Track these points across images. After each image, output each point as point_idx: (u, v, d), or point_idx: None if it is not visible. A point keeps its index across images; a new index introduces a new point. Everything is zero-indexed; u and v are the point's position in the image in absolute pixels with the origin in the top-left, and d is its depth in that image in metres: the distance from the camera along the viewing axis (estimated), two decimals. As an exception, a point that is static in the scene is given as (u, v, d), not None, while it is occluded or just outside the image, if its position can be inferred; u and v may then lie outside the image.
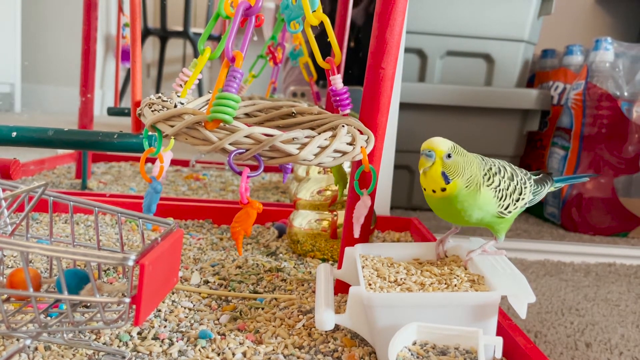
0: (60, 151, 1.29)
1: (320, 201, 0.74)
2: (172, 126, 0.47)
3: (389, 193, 0.96)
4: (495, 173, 0.51)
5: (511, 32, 1.19)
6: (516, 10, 1.18)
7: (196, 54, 3.38)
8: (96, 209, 0.42)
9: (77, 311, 0.39)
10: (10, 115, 3.00)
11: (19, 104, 3.24)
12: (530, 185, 0.54)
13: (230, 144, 0.45)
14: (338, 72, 0.58)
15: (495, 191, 0.50)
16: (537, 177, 0.56)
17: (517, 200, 0.52)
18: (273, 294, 0.59)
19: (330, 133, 0.49)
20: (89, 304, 0.43)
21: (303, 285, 0.62)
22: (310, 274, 0.66)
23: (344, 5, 1.16)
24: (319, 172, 0.79)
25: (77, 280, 0.39)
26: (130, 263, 0.33)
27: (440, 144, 0.48)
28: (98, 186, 1.08)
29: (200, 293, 0.58)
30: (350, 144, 0.50)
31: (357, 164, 0.55)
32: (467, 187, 0.49)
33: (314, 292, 0.60)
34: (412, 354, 0.41)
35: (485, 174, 0.50)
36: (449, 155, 0.48)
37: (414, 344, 0.43)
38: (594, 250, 0.97)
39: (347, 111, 0.57)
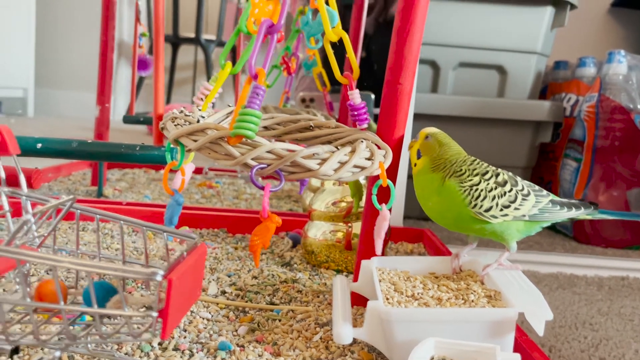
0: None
1: (335, 212, 0.75)
2: (195, 140, 0.48)
3: (402, 204, 0.97)
4: (478, 174, 0.52)
5: (524, 44, 1.19)
6: (529, 22, 1.18)
7: (207, 61, 3.41)
8: (121, 222, 0.43)
9: (102, 323, 0.40)
10: (23, 119, 3.04)
11: (32, 109, 3.28)
12: (536, 200, 0.54)
13: (252, 159, 0.46)
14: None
15: (463, 187, 0.52)
16: (570, 200, 0.56)
17: (507, 207, 0.52)
18: (289, 305, 0.60)
19: (349, 148, 0.50)
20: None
21: (319, 297, 0.63)
22: (326, 285, 0.67)
23: (358, 16, 1.17)
24: (333, 184, 0.80)
25: (104, 292, 0.40)
26: (159, 278, 0.34)
27: (426, 129, 0.57)
28: (113, 194, 1.09)
29: (217, 304, 0.59)
30: (368, 159, 0.50)
31: (374, 178, 0.56)
32: (432, 168, 0.55)
33: (329, 304, 0.61)
34: (430, 370, 0.41)
35: (462, 170, 0.53)
36: (427, 137, 0.56)
37: (432, 359, 0.43)
38: (606, 264, 0.96)
39: (365, 125, 0.58)
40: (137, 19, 1.16)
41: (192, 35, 3.35)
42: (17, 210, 0.48)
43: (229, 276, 0.67)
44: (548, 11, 1.18)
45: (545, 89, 1.38)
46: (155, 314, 0.35)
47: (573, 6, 1.21)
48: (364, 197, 0.69)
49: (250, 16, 0.48)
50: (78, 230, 0.43)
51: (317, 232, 0.75)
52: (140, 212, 0.86)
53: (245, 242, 0.83)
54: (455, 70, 1.22)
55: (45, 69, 3.39)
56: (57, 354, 0.35)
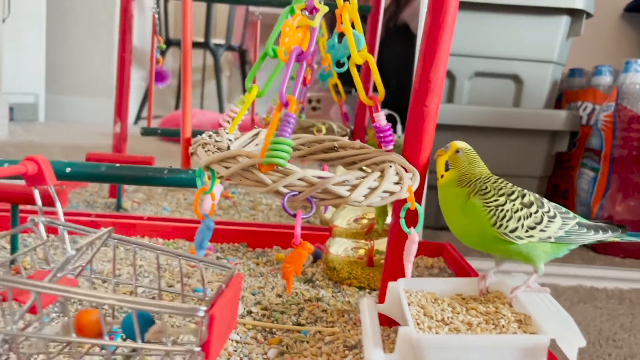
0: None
1: (357, 229, 0.75)
2: (226, 167, 0.48)
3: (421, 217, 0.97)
4: (504, 194, 0.53)
5: (540, 53, 1.19)
6: (545, 31, 1.18)
7: (216, 65, 3.43)
8: (158, 252, 0.43)
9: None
10: (34, 125, 3.07)
11: (42, 115, 3.31)
12: (563, 222, 0.54)
13: (283, 187, 0.46)
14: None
15: (489, 207, 0.52)
16: (597, 223, 0.56)
17: (532, 229, 0.52)
18: (315, 325, 0.60)
19: (378, 173, 0.50)
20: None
21: (344, 316, 0.63)
22: (349, 304, 0.67)
23: (373, 27, 1.17)
24: (354, 199, 0.80)
25: (143, 322, 0.40)
26: (201, 314, 0.34)
27: (458, 142, 0.57)
28: (132, 206, 1.10)
29: (245, 324, 0.59)
30: (397, 183, 0.51)
31: (401, 201, 0.56)
32: (458, 182, 0.55)
33: (355, 324, 0.61)
34: (464, 398, 0.42)
35: (487, 189, 0.53)
36: (457, 151, 0.56)
37: (465, 386, 0.43)
38: (626, 275, 0.96)
39: (391, 147, 0.58)
40: (154, 32, 1.16)
41: (201, 39, 3.36)
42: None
43: (254, 294, 0.67)
44: (564, 20, 1.17)
45: (560, 96, 1.37)
46: (197, 349, 0.35)
47: (589, 15, 1.20)
48: (388, 217, 0.69)
49: (280, 45, 0.48)
50: (114, 260, 0.43)
51: (339, 248, 0.75)
52: (161, 227, 0.87)
53: (266, 257, 0.83)
54: (471, 79, 1.22)
55: (56, 75, 3.41)
56: (101, 388, 0.36)
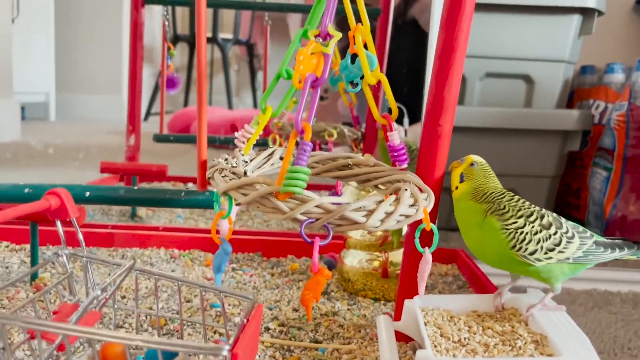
0: (106, 175, 1.32)
1: (371, 241, 0.76)
2: (244, 194, 0.49)
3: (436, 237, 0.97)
4: (523, 215, 0.53)
5: (551, 52, 1.18)
6: (556, 30, 1.17)
7: (224, 59, 3.43)
8: (179, 282, 0.44)
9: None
10: (45, 124, 3.10)
11: (53, 113, 3.33)
12: (581, 242, 0.54)
13: (301, 214, 0.47)
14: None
15: (508, 229, 0.52)
16: (613, 240, 0.56)
17: (551, 250, 0.52)
18: (333, 341, 0.61)
19: (394, 197, 0.50)
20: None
21: (360, 331, 0.64)
22: (365, 318, 0.68)
23: (383, 26, 1.17)
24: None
25: (167, 354, 0.41)
26: (225, 353, 0.35)
27: (473, 155, 0.58)
28: (146, 213, 1.11)
29: (263, 342, 0.60)
30: (412, 205, 0.51)
31: (417, 221, 0.57)
32: (472, 195, 0.56)
33: (371, 339, 0.62)
34: None
35: (504, 208, 0.53)
36: (472, 164, 0.57)
37: (483, 411, 0.44)
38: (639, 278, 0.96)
39: (404, 165, 0.59)
40: (165, 39, 1.17)
41: (209, 34, 3.36)
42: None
43: (270, 309, 0.68)
44: (575, 19, 1.16)
45: (572, 94, 1.36)
46: (223, 387, 0.36)
47: (600, 13, 1.19)
48: (404, 229, 0.70)
49: (295, 72, 0.49)
50: (137, 290, 0.44)
51: (354, 260, 0.76)
52: (176, 238, 0.88)
53: (281, 267, 0.84)
54: (482, 80, 1.21)
55: (66, 73, 3.43)
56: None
